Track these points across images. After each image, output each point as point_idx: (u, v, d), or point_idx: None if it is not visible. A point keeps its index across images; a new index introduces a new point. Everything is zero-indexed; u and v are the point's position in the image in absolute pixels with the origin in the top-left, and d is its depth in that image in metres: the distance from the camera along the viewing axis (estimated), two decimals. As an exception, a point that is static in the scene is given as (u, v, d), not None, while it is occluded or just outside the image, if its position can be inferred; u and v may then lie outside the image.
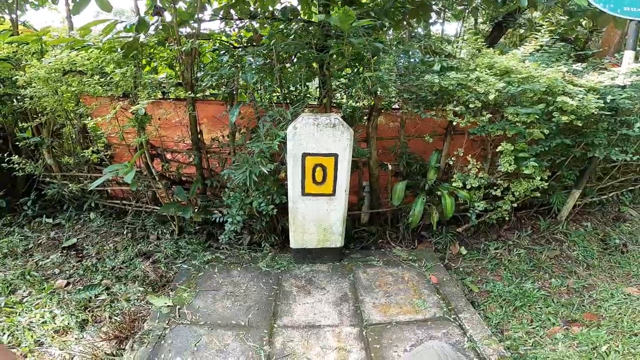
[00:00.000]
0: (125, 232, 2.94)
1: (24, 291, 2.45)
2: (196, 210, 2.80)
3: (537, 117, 2.15)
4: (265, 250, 2.71)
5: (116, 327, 2.05)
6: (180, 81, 2.74)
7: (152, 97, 2.54)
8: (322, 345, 1.92)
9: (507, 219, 3.00)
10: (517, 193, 2.67)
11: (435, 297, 2.28)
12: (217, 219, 2.64)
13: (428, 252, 2.76)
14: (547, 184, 2.65)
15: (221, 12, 3.37)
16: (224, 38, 3.45)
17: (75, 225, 3.14)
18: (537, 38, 2.46)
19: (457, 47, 2.69)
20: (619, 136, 2.48)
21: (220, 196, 2.74)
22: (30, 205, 3.25)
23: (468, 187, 2.61)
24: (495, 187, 2.68)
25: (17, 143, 3.08)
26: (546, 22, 3.06)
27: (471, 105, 2.18)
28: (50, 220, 3.17)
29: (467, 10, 4.26)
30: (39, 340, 2.06)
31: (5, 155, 3.03)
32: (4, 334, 2.07)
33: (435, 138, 2.77)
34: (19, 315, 2.21)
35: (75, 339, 2.09)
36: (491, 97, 2.01)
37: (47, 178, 3.24)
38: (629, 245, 3.34)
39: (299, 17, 3.20)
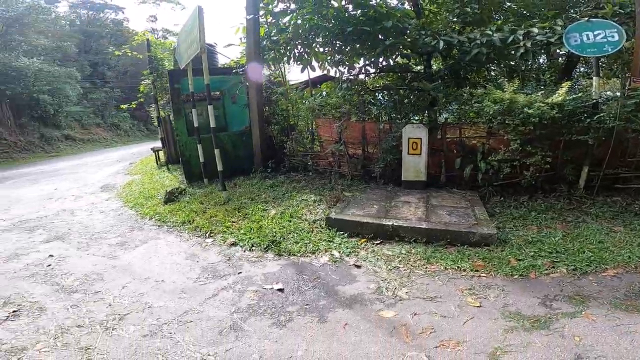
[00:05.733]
0: (326, 179, 6.48)
1: (302, 194, 5.98)
2: (360, 168, 6.13)
3: (520, 120, 4.63)
4: (390, 186, 5.80)
5: (331, 199, 5.40)
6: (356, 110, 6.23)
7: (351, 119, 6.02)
8: (408, 207, 4.84)
9: (534, 184, 5.04)
10: (531, 164, 4.84)
11: (466, 202, 4.93)
12: (369, 170, 5.90)
13: (471, 192, 5.33)
14: (550, 159, 4.80)
15: (363, 68, 6.78)
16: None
17: (302, 177, 6.87)
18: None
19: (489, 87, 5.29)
20: (581, 127, 4.62)
21: (372, 162, 6.00)
22: (286, 168, 7.19)
23: (497, 159, 5.09)
24: (515, 161, 5.02)
25: (274, 140, 7.13)
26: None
27: (486, 117, 4.85)
28: (294, 174, 7.01)
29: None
30: (303, 207, 5.50)
31: (277, 143, 7.08)
32: (289, 204, 5.59)
33: (482, 138, 5.37)
34: (294, 199, 5.76)
35: (318, 205, 5.44)
36: (490, 112, 4.68)
37: (292, 156, 7.16)
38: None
39: (410, 70, 6.33)
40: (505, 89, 4.87)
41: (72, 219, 6.37)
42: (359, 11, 5.77)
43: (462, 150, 5.48)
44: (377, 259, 3.89)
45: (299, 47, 7.13)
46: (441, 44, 5.15)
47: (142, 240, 5.02)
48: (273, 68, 8.42)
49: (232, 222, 5.07)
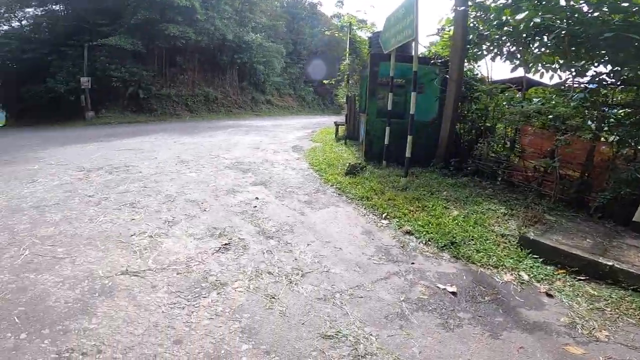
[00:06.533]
0: (519, 194, 5.69)
1: (490, 203, 5.40)
2: (572, 193, 5.11)
3: None
4: (609, 222, 4.62)
5: (527, 217, 4.68)
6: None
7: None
8: (637, 252, 3.73)
9: None
10: None
11: None
12: (583, 198, 4.86)
13: None
14: None
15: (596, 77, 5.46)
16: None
17: (489, 184, 6.23)
18: None
19: None
20: None
21: (593, 190, 4.91)
22: (469, 169, 6.70)
23: None
24: None
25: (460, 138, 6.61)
26: None
27: None
28: (478, 179, 6.45)
29: None
30: (490, 217, 5.03)
31: (472, 141, 6.60)
32: (474, 209, 5.09)
33: None
34: (480, 205, 5.17)
35: (508, 219, 4.77)
36: None
37: (480, 159, 6.59)
38: None
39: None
40: None
41: (272, 170, 7.69)
42: (616, 16, 4.79)
43: None
44: (577, 294, 3.27)
45: (509, 44, 6.50)
46: None
47: (324, 203, 5.60)
48: (474, 63, 7.81)
49: (409, 210, 5.08)
